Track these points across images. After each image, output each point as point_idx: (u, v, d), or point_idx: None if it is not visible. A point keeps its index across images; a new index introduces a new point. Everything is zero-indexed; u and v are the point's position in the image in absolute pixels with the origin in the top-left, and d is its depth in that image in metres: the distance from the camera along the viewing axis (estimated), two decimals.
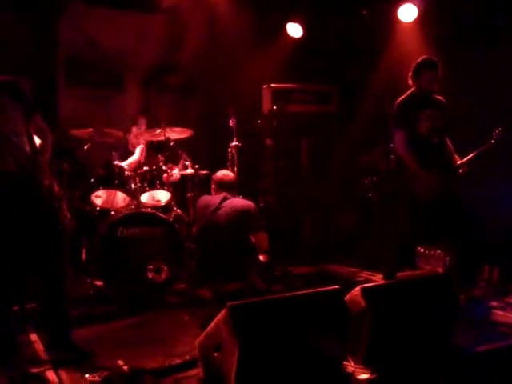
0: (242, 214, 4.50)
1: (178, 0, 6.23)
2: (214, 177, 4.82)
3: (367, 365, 3.22)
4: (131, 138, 5.95)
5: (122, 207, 5.28)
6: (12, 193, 3.33)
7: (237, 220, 4.48)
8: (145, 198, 5.37)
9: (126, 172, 5.38)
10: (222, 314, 2.89)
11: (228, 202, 4.57)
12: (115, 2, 6.33)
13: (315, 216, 6.71)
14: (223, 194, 4.63)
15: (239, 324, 2.80)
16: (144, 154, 5.82)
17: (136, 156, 5.82)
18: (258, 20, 6.63)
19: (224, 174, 4.84)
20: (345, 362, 3.24)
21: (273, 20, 6.92)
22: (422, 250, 6.00)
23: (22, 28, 5.67)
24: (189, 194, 5.66)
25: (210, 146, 6.46)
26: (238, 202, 4.64)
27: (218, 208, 4.54)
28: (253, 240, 4.64)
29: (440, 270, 5.71)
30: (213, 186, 4.77)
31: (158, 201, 5.41)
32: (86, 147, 5.37)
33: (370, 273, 5.94)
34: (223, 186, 4.71)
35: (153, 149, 5.85)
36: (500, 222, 5.77)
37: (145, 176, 5.40)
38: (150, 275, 5.00)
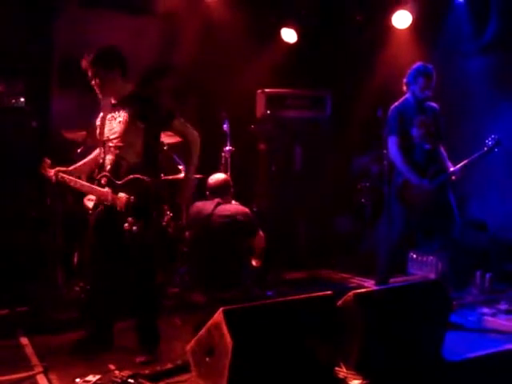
0: (234, 220, 4.45)
1: (174, 3, 6.23)
2: (207, 183, 4.75)
3: (359, 371, 3.22)
4: None
5: None
6: None
7: (230, 226, 4.43)
8: None
9: None
10: (214, 318, 2.88)
11: (221, 207, 4.51)
12: (111, 4, 6.31)
13: (308, 221, 6.70)
14: (216, 200, 4.57)
15: (233, 328, 2.79)
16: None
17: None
18: (252, 25, 6.62)
19: (215, 178, 4.72)
20: (337, 368, 3.23)
21: (267, 25, 6.92)
22: (414, 255, 6.02)
23: (17, 29, 5.64)
24: None
25: (204, 151, 6.41)
26: (231, 207, 4.58)
27: (211, 214, 4.48)
28: (252, 243, 4.59)
29: (432, 276, 5.73)
30: (207, 192, 4.73)
31: None
32: (79, 150, 5.33)
33: (363, 278, 5.94)
34: (215, 191, 4.64)
35: None
36: (490, 228, 5.80)
37: None
38: None
